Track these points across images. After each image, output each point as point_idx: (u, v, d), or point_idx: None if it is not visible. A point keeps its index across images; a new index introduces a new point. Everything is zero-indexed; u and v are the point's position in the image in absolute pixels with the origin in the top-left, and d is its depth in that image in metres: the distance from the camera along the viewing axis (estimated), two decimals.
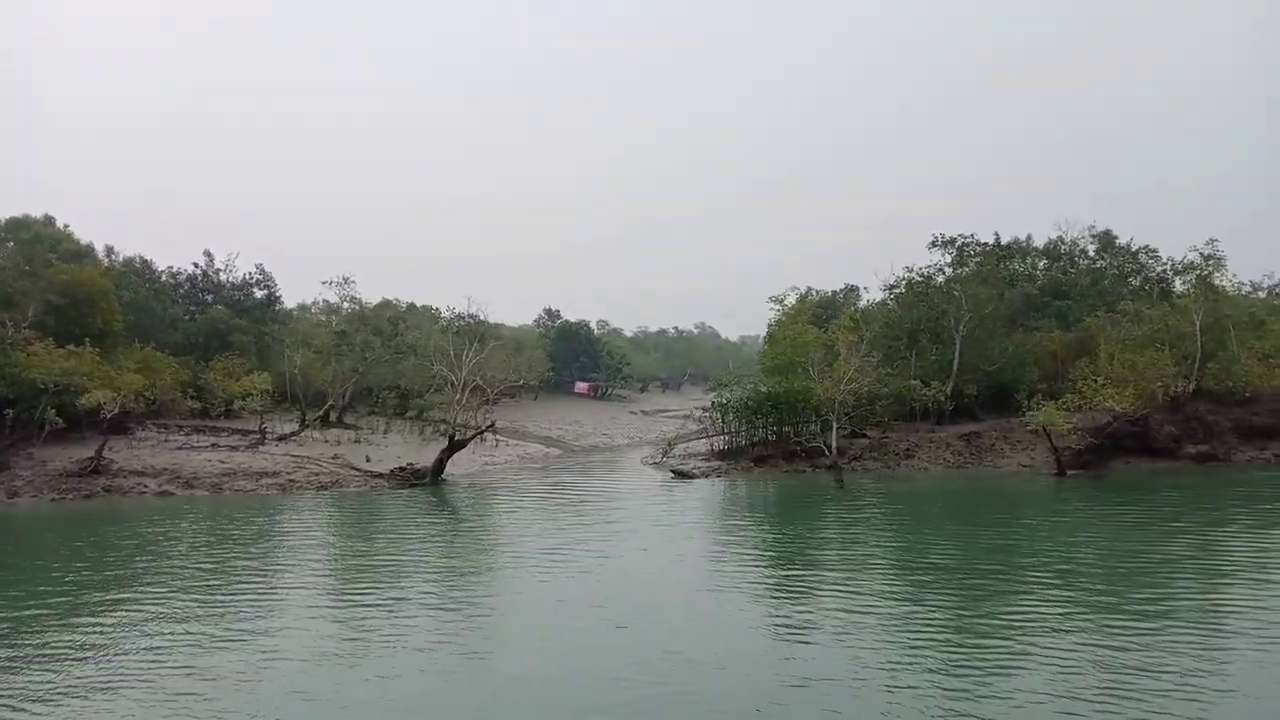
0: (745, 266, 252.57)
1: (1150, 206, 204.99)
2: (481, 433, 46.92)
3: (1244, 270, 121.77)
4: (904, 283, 55.31)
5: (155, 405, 47.19)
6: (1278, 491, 37.78)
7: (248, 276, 70.57)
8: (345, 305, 66.93)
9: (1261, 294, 72.89)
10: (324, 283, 70.28)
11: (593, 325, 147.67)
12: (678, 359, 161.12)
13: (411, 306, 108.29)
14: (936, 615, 18.19)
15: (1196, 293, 51.47)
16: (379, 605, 19.37)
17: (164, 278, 69.16)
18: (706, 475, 44.16)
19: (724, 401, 48.84)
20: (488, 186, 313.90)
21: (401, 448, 52.25)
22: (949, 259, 54.89)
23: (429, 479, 42.17)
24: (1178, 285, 56.98)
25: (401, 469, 43.55)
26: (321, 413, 57.41)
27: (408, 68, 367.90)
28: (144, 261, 70.05)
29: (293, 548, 27.12)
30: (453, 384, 44.99)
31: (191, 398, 53.20)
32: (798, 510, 35.76)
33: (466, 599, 20.00)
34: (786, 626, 17.55)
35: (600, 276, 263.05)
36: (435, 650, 16.06)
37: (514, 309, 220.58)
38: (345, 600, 20.21)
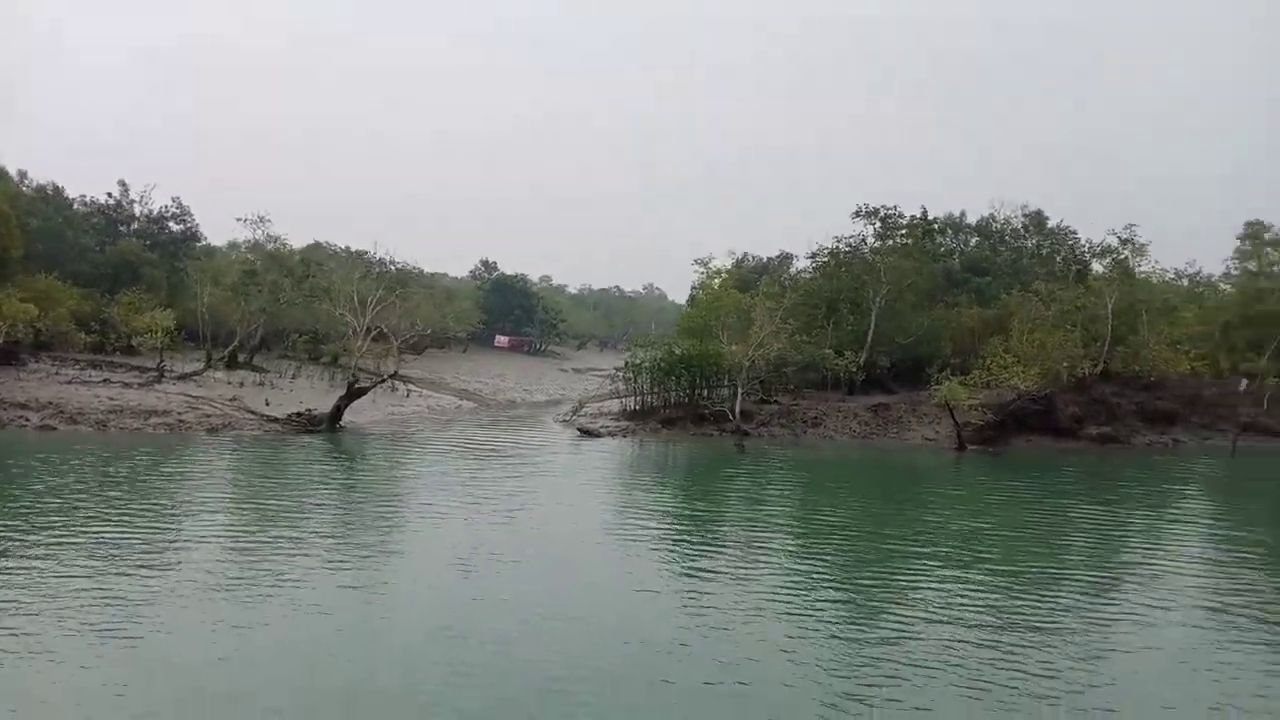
0: (704, 234, 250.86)
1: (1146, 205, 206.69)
2: (383, 381, 45.85)
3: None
4: (827, 252, 55.14)
5: (47, 337, 45.27)
6: (1165, 475, 38.53)
7: (164, 210, 68.05)
8: (265, 245, 64.83)
9: (1184, 282, 74.39)
10: (239, 220, 68.00)
11: (534, 280, 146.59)
12: (618, 318, 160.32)
13: (347, 251, 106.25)
14: (825, 579, 18.13)
15: (1110, 277, 52.03)
16: (249, 551, 18.61)
17: (76, 206, 66.35)
18: (613, 435, 43.76)
19: (637, 362, 48.32)
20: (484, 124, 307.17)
21: (308, 393, 50.92)
22: (872, 230, 54.66)
23: (325, 426, 41.12)
24: (1096, 268, 57.61)
25: (299, 414, 42.38)
26: (227, 353, 55.69)
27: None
28: (56, 189, 67.18)
29: (165, 491, 26.02)
30: (355, 330, 43.72)
31: (92, 331, 51.29)
32: (692, 473, 35.53)
33: (338, 550, 19.13)
34: (672, 583, 17.34)
35: (557, 235, 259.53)
36: (298, 603, 15.31)
37: (463, 262, 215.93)
38: (209, 545, 19.22)
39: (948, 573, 19.01)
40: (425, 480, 29.82)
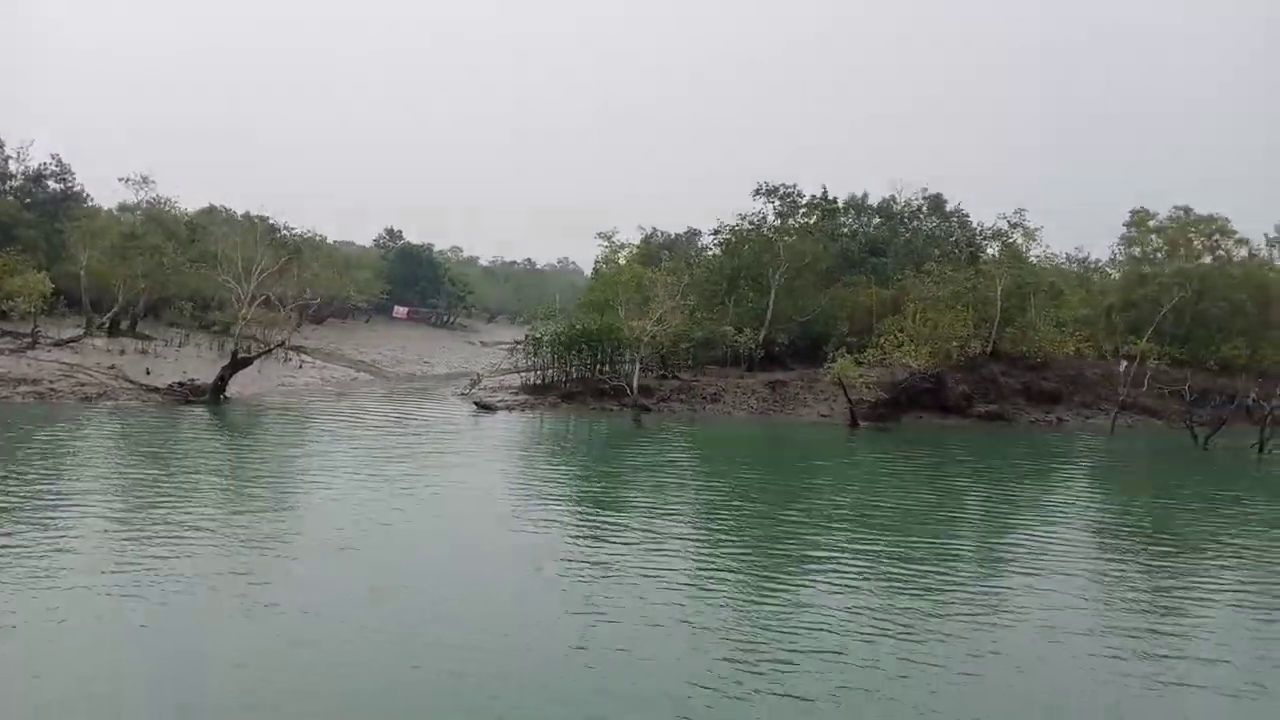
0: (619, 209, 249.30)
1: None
2: (269, 351, 44.47)
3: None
4: (729, 229, 55.31)
5: None
6: (1045, 451, 39.80)
7: (42, 167, 64.39)
8: (152, 207, 62.08)
9: (1074, 266, 77.14)
10: (121, 180, 64.88)
11: (446, 251, 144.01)
12: (530, 291, 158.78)
13: (246, 216, 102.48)
14: (719, 554, 18.04)
15: (1000, 259, 53.48)
16: (106, 530, 17.58)
17: None
18: (510, 409, 43.30)
19: (537, 336, 47.87)
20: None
21: (194, 363, 49.08)
22: (772, 209, 54.97)
23: (209, 397, 39.68)
24: (990, 251, 59.13)
25: (181, 384, 40.87)
26: (107, 319, 53.20)
27: None
28: None
29: (22, 463, 24.52)
30: (239, 297, 42.15)
31: None
32: (588, 448, 35.44)
33: (203, 525, 18.19)
34: (565, 563, 16.90)
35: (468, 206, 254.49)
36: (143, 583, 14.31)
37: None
38: (54, 524, 18.05)
39: (839, 544, 19.22)
40: (311, 456, 28.93)
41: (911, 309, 48.40)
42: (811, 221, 56.06)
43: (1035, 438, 44.69)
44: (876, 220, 71.34)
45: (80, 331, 49.72)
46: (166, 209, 61.38)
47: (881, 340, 46.36)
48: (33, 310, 45.82)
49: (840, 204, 70.01)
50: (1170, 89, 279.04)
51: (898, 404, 46.77)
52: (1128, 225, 66.19)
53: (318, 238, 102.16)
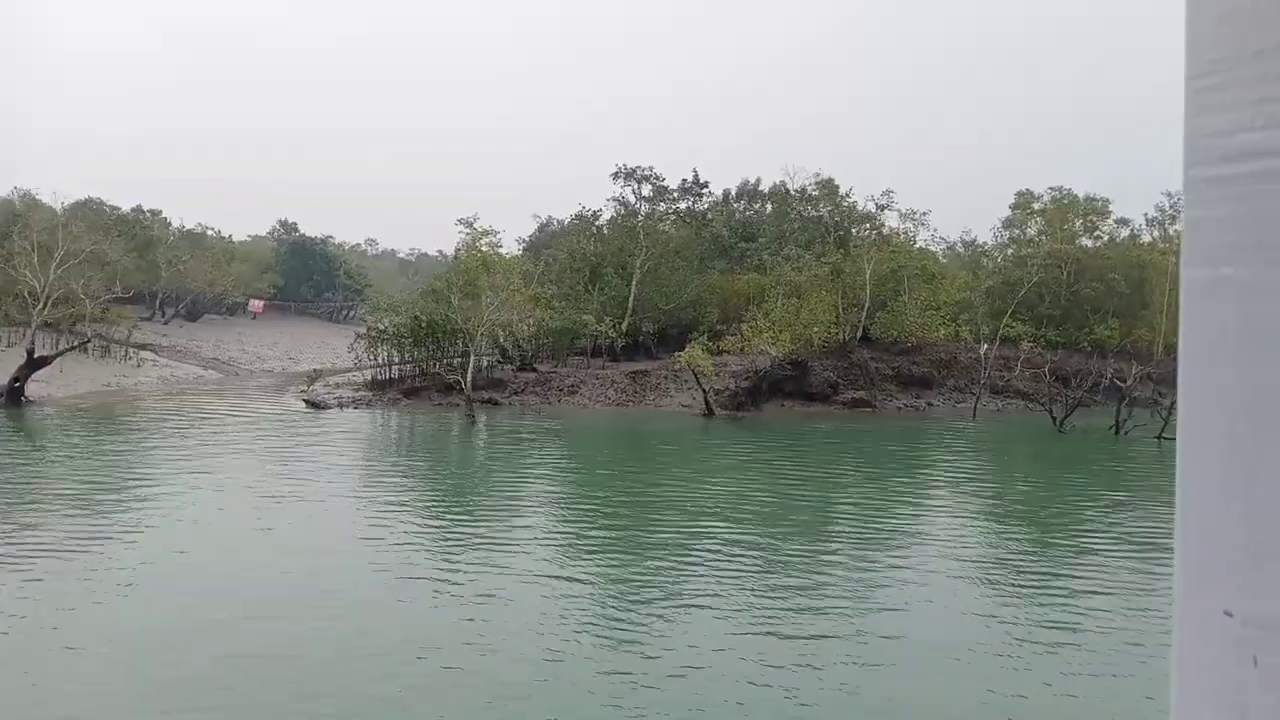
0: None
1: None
2: (72, 349, 41.30)
3: None
4: (591, 214, 53.39)
5: None
6: (902, 436, 38.70)
7: None
8: None
9: (965, 250, 76.86)
10: None
11: (350, 243, 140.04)
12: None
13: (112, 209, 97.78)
14: (522, 549, 16.23)
15: (868, 243, 52.49)
16: None
17: None
18: (344, 406, 40.86)
19: (377, 329, 45.47)
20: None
21: (14, 362, 45.55)
22: (631, 191, 53.07)
23: (3, 400, 36.58)
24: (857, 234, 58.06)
25: None
26: None
27: None
28: None
29: None
30: (31, 293, 38.91)
31: None
32: (408, 447, 33.23)
33: None
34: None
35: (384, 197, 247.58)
36: None
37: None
38: None
39: (678, 535, 17.85)
40: (93, 465, 26.09)
41: (771, 294, 47.11)
42: (680, 207, 54.26)
43: (894, 424, 43.76)
44: (769, 207, 70.27)
45: None
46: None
47: (743, 327, 44.95)
48: None
49: (731, 191, 68.79)
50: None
51: (758, 392, 45.47)
52: (1013, 207, 66.00)
53: (199, 230, 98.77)
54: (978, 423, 44.32)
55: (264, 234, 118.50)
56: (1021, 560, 17.99)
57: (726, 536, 18.75)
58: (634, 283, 49.07)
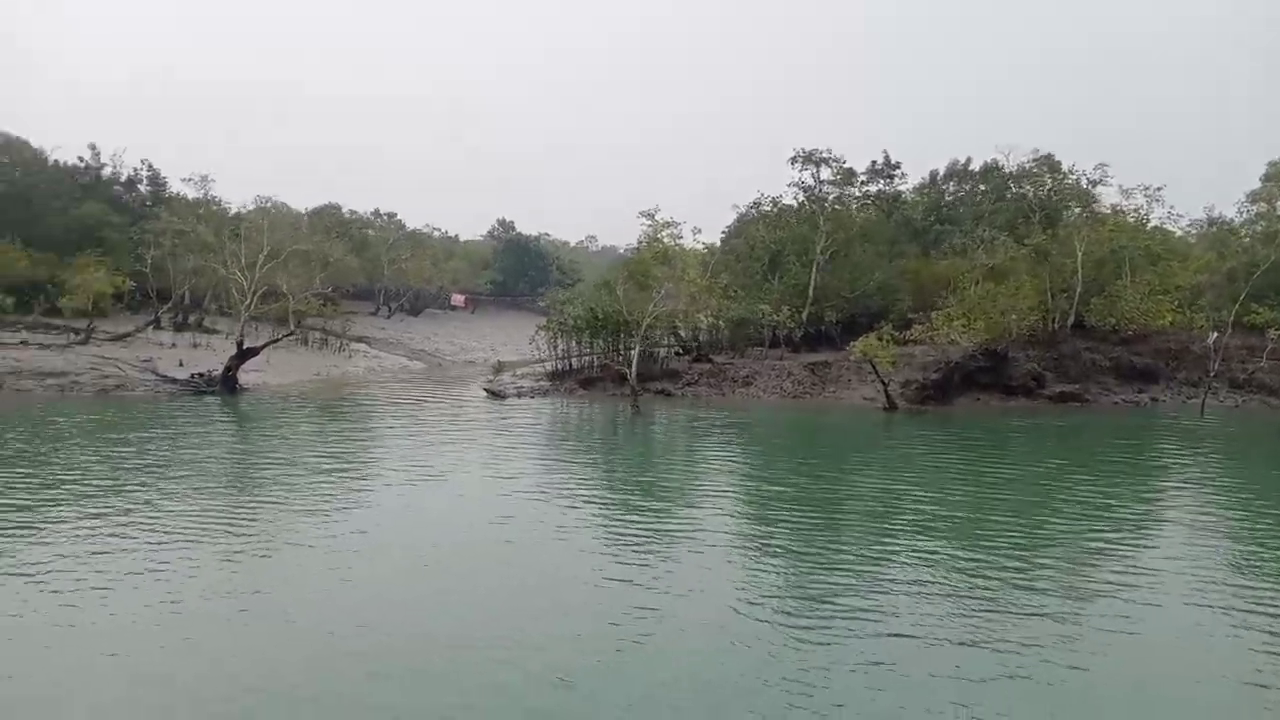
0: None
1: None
2: (277, 341, 44.41)
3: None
4: (770, 200, 51.45)
5: None
6: (1103, 434, 34.62)
7: (134, 173, 68.02)
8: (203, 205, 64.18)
9: (1208, 229, 68.67)
10: (184, 180, 68.04)
11: (554, 238, 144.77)
12: None
13: (353, 214, 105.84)
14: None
15: (1078, 223, 47.62)
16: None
17: (48, 168, 66.41)
18: (521, 396, 41.77)
19: (553, 322, 46.14)
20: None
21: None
22: (810, 175, 50.49)
23: (219, 388, 40.06)
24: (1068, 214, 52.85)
25: (200, 374, 41.57)
26: (160, 314, 55.24)
27: None
28: (35, 152, 67.66)
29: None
30: (239, 290, 42.22)
31: (27, 297, 51.33)
32: (564, 436, 33.12)
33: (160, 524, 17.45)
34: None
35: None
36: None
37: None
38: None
39: (859, 538, 16.99)
40: (276, 446, 27.83)
41: (965, 280, 43.74)
42: (871, 190, 51.45)
43: (1107, 420, 39.14)
44: (981, 188, 65.78)
45: (132, 328, 51.50)
46: (214, 206, 63.32)
47: (933, 315, 42.01)
48: (87, 307, 47.74)
49: (939, 171, 64.88)
50: None
51: (948, 385, 42.35)
52: (1263, 179, 58.13)
53: (423, 231, 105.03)
54: (1208, 420, 39.03)
55: (482, 235, 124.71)
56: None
57: (903, 546, 16.92)
58: (814, 269, 46.97)
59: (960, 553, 16.26)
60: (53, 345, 45.56)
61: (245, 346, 41.07)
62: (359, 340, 62.80)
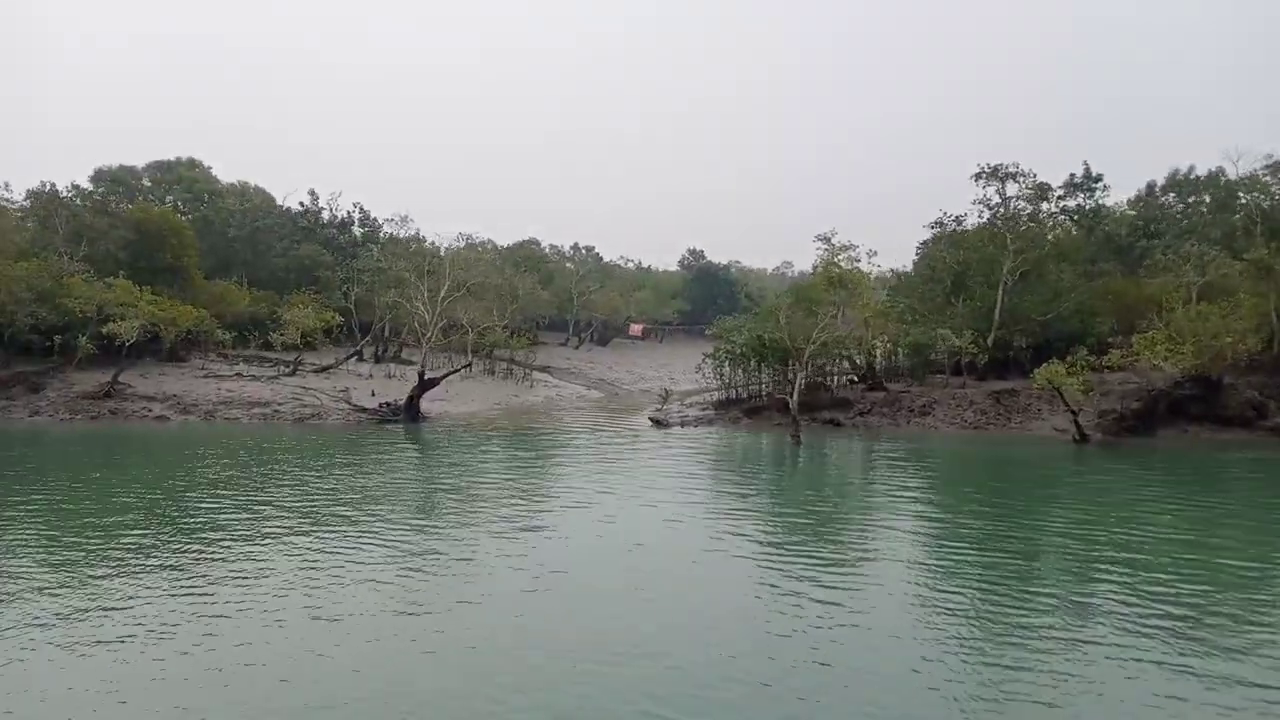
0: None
1: None
2: (455, 372, 46.17)
3: None
4: (952, 219, 48.53)
5: (193, 335, 49.94)
6: None
7: (346, 216, 73.58)
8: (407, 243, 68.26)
9: None
10: (387, 220, 73.33)
11: (769, 268, 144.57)
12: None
13: (553, 249, 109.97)
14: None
15: None
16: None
17: (274, 212, 72.99)
18: (685, 425, 41.53)
19: (720, 351, 45.60)
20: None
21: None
22: (998, 194, 47.23)
23: (403, 417, 42.23)
24: None
25: (387, 404, 44.01)
26: (359, 347, 59.12)
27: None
28: (266, 197, 74.83)
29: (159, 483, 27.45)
30: (421, 323, 44.30)
31: (243, 332, 56.29)
32: (715, 469, 32.46)
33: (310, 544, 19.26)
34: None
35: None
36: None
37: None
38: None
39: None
40: (445, 476, 29.10)
41: (1170, 301, 39.77)
42: (1070, 205, 47.75)
43: None
44: (1207, 199, 59.96)
45: (333, 361, 55.25)
46: (415, 244, 67.14)
47: (1134, 339, 38.44)
48: (296, 342, 51.75)
49: (1157, 183, 59.74)
50: None
51: (1151, 415, 38.56)
52: None
53: (615, 263, 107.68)
54: None
55: (674, 265, 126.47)
56: None
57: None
58: (1001, 291, 44.06)
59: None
60: (263, 377, 49.68)
61: (427, 377, 43.13)
62: (542, 370, 64.81)
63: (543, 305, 77.25)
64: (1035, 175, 46.30)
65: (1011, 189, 46.30)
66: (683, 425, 41.46)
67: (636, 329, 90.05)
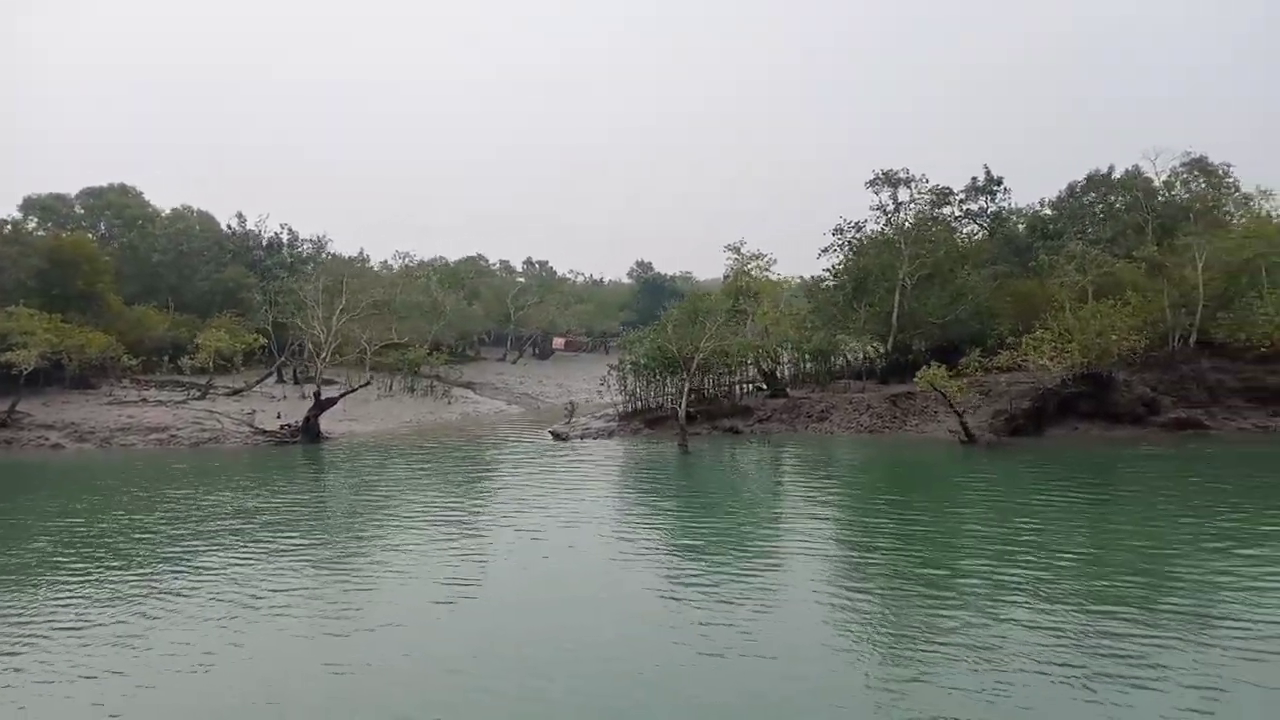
0: None
1: None
2: (353, 391, 45.84)
3: None
4: (852, 226, 48.71)
5: (101, 362, 49.43)
6: (1224, 468, 30.41)
7: (274, 237, 73.20)
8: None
9: None
10: (305, 240, 73.28)
11: (715, 278, 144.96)
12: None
13: (502, 264, 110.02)
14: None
15: (1196, 229, 42.83)
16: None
17: (199, 239, 72.36)
18: (583, 438, 41.45)
19: (624, 362, 45.65)
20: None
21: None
22: (889, 197, 47.50)
23: (302, 439, 41.94)
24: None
25: (287, 426, 43.75)
26: (275, 368, 58.73)
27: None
28: (209, 220, 74.56)
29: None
30: (314, 343, 44.12)
31: (165, 357, 55.88)
32: (595, 475, 32.37)
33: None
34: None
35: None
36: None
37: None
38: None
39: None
40: (324, 499, 28.70)
41: (1058, 299, 40.23)
42: (970, 209, 48.20)
43: (1230, 452, 34.39)
44: (1124, 198, 60.69)
45: (243, 384, 54.80)
46: (326, 265, 67.19)
47: (1024, 340, 38.80)
48: (207, 365, 51.37)
49: (1079, 183, 60.38)
50: None
51: (1041, 415, 38.88)
52: None
53: (565, 276, 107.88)
54: None
55: (624, 276, 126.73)
56: None
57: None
58: (898, 296, 44.33)
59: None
60: (169, 402, 49.21)
61: (324, 397, 42.85)
62: (466, 386, 64.60)
63: (476, 321, 77.14)
64: (927, 180, 46.88)
65: (904, 194, 46.83)
66: (583, 438, 41.37)
67: (560, 342, 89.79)
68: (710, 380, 45.36)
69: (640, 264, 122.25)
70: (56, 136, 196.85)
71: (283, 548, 20.58)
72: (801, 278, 55.23)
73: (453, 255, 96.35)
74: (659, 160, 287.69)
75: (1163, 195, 55.51)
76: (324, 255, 70.05)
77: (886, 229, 46.78)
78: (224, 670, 13.09)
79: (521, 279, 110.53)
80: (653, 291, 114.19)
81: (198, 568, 18.85)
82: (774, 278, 50.62)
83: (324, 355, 43.59)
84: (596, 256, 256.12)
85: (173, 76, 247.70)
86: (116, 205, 74.63)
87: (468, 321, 73.96)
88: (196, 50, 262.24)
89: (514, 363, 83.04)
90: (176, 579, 17.96)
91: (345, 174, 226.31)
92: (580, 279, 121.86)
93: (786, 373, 47.54)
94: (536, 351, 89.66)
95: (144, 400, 49.28)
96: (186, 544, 21.14)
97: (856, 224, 48.08)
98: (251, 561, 19.24)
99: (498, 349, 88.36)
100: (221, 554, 20.00)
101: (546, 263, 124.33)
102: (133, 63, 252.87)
